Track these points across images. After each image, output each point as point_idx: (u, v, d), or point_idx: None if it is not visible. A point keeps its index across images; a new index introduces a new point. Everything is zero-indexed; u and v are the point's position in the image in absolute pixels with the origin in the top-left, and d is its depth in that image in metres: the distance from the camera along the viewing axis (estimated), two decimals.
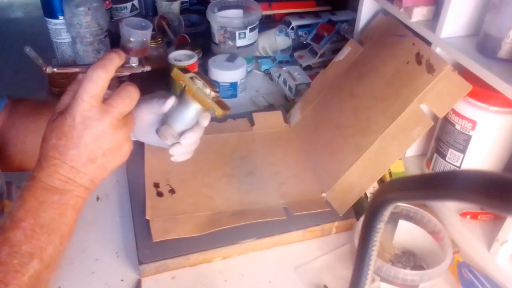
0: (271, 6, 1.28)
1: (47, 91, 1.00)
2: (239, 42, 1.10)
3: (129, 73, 0.58)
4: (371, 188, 0.73)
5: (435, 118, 0.68)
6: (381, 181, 0.73)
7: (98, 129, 0.49)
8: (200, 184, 0.77)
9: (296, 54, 1.17)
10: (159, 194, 0.75)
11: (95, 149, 0.49)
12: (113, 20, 1.19)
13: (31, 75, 0.99)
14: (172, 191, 0.75)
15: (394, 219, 0.69)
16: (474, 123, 0.65)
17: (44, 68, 0.49)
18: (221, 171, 0.80)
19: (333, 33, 1.14)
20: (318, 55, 1.13)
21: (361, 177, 0.71)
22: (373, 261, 0.35)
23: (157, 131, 0.62)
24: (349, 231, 0.73)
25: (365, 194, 0.73)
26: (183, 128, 0.61)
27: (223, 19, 1.09)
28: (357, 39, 0.89)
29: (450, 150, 0.69)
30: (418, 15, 0.72)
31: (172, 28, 1.21)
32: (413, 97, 0.68)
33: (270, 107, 1.01)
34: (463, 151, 0.68)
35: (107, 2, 1.16)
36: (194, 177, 0.78)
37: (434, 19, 0.70)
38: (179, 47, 1.08)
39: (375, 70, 0.78)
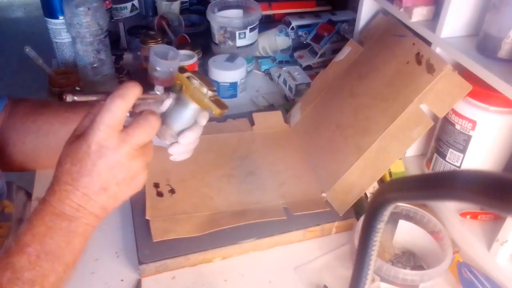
0: (271, 6, 1.28)
1: (47, 91, 1.00)
2: (239, 42, 1.10)
3: (153, 101, 0.57)
4: (371, 188, 0.73)
5: (435, 118, 0.68)
6: (381, 181, 0.73)
7: (113, 158, 0.48)
8: (200, 184, 0.77)
9: (296, 54, 1.17)
10: (159, 194, 0.75)
11: (109, 178, 0.48)
12: (113, 20, 1.19)
13: (31, 75, 0.99)
14: (172, 191, 0.75)
15: (394, 219, 0.69)
16: (474, 123, 0.65)
17: (64, 97, 0.48)
18: (221, 171, 0.80)
19: (333, 33, 1.14)
20: (318, 55, 1.13)
21: (361, 177, 0.71)
22: (373, 261, 0.35)
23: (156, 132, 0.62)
24: (349, 231, 0.73)
25: (365, 194, 0.73)
26: (181, 128, 0.61)
27: (223, 19, 1.09)
28: (357, 39, 0.89)
29: (450, 150, 0.69)
30: (418, 15, 0.72)
31: (172, 28, 1.21)
32: (413, 97, 0.68)
33: (270, 107, 1.01)
34: (463, 151, 0.68)
35: (107, 2, 1.16)
36: (194, 177, 0.78)
37: (434, 19, 0.70)
38: (179, 47, 1.08)
39: (375, 70, 0.78)
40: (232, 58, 1.05)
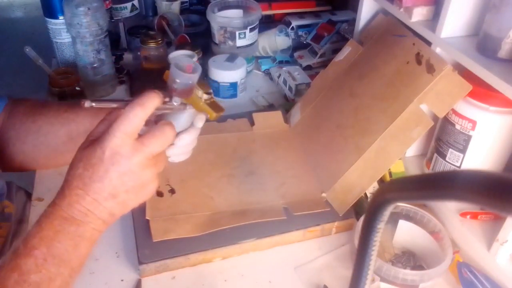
0: (271, 6, 1.28)
1: (47, 91, 1.00)
2: (239, 42, 1.10)
3: (169, 111, 0.57)
4: (371, 188, 0.73)
5: (435, 118, 0.68)
6: (381, 181, 0.73)
7: (125, 166, 0.48)
8: (200, 184, 0.77)
9: (296, 54, 1.17)
10: (159, 194, 0.75)
11: (118, 185, 0.49)
12: (113, 20, 1.19)
13: (31, 75, 0.99)
14: (172, 191, 0.75)
15: (394, 219, 0.69)
16: (474, 123, 0.65)
17: (82, 102, 0.48)
18: (221, 171, 0.80)
19: (333, 33, 1.14)
20: (318, 55, 1.13)
21: (361, 177, 0.71)
22: (373, 261, 0.35)
23: None
24: (349, 231, 0.73)
25: (365, 194, 0.73)
26: (177, 130, 0.61)
27: (223, 19, 1.09)
28: (357, 39, 0.89)
29: (450, 150, 0.69)
30: (418, 15, 0.72)
31: (172, 28, 1.21)
32: (413, 97, 0.68)
33: (270, 107, 1.01)
34: (463, 151, 0.68)
35: (107, 2, 1.16)
36: (194, 177, 0.78)
37: (434, 19, 0.70)
38: (179, 47, 1.08)
39: (375, 70, 0.78)
40: (232, 58, 1.05)
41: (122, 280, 0.65)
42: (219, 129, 0.88)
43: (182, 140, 0.61)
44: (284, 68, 1.08)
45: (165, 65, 0.99)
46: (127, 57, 1.18)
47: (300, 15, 1.25)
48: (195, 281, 0.65)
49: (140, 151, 0.49)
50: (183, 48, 1.06)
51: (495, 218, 0.67)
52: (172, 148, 0.62)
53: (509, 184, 0.21)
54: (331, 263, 0.68)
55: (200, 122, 0.61)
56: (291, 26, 1.19)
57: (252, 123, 0.91)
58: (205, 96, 0.59)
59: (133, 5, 1.29)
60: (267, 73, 1.14)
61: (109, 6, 1.18)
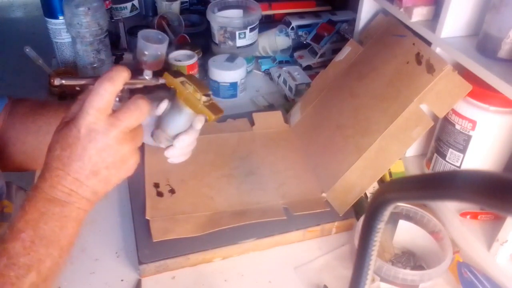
0: (271, 6, 1.28)
1: (47, 91, 1.00)
2: (239, 42, 1.10)
3: (141, 86, 0.57)
4: (371, 188, 0.73)
5: (435, 118, 0.68)
6: (381, 181, 0.73)
7: (102, 142, 0.48)
8: (200, 184, 0.77)
9: (296, 54, 1.17)
10: (159, 194, 0.75)
11: (98, 162, 0.49)
12: (113, 20, 1.19)
13: (31, 75, 0.99)
14: (172, 191, 0.75)
15: (394, 219, 0.69)
16: (474, 123, 0.65)
17: (52, 80, 0.49)
18: (221, 171, 0.80)
19: (333, 33, 1.14)
20: (318, 55, 1.13)
21: (361, 177, 0.71)
22: (373, 261, 0.35)
23: (151, 135, 0.62)
24: (349, 231, 0.73)
25: (365, 194, 0.73)
26: (176, 132, 0.61)
27: (223, 19, 1.09)
28: (357, 39, 0.89)
29: (450, 150, 0.69)
30: (418, 15, 0.72)
31: (172, 28, 1.21)
32: (413, 97, 0.68)
33: (270, 107, 1.01)
34: (463, 151, 0.68)
35: (107, 2, 1.16)
36: (194, 177, 0.78)
37: (434, 19, 0.70)
38: (179, 47, 1.08)
39: (375, 70, 0.78)
40: (232, 58, 1.05)
41: (122, 280, 0.65)
42: (219, 129, 0.88)
43: (181, 141, 0.61)
44: (284, 68, 1.08)
45: (165, 65, 0.99)
46: (127, 57, 1.18)
47: (300, 15, 1.25)
48: (195, 281, 0.65)
49: (116, 126, 0.48)
50: (183, 48, 1.06)
51: (495, 218, 0.67)
52: (172, 149, 0.62)
53: (509, 184, 0.21)
54: (331, 263, 0.68)
55: (199, 123, 0.61)
56: (291, 26, 1.19)
57: (252, 123, 0.91)
58: (204, 98, 0.59)
59: (133, 5, 1.29)
60: (267, 73, 1.14)
61: (109, 6, 1.18)
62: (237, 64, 1.04)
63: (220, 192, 0.76)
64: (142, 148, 0.81)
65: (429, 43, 0.70)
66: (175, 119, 0.60)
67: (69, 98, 0.96)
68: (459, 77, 0.65)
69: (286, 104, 1.02)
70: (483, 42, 0.62)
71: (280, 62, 1.15)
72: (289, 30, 1.18)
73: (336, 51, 1.01)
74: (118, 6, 1.26)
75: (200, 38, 1.19)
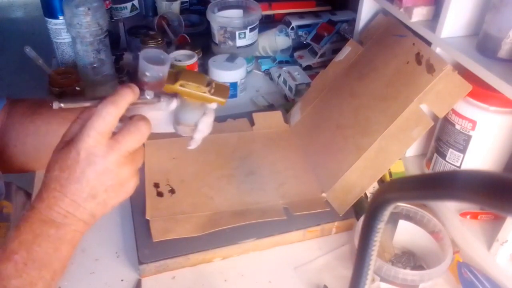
0: (271, 6, 1.28)
1: (47, 91, 1.00)
2: (239, 42, 1.10)
3: (144, 106, 0.56)
4: (371, 188, 0.73)
5: (435, 118, 0.68)
6: (381, 181, 0.73)
7: (102, 166, 0.47)
8: (200, 184, 0.77)
9: (296, 54, 1.17)
10: (159, 194, 0.75)
11: (97, 185, 0.48)
12: (113, 20, 1.19)
13: (31, 75, 0.99)
14: (172, 191, 0.75)
15: (394, 219, 0.69)
16: (474, 123, 0.65)
17: (51, 104, 0.47)
18: (221, 171, 0.80)
19: (333, 33, 1.14)
20: (318, 55, 1.13)
21: (361, 177, 0.71)
22: (373, 261, 0.35)
23: (176, 131, 0.61)
24: (349, 231, 0.73)
25: (365, 194, 0.73)
26: (195, 120, 0.60)
27: (223, 19, 1.09)
28: (357, 39, 0.89)
29: (450, 150, 0.69)
30: (418, 15, 0.72)
31: (172, 28, 1.21)
32: (413, 97, 0.68)
33: (270, 107, 1.01)
34: (463, 151, 0.68)
35: (107, 2, 1.16)
36: (194, 177, 0.78)
37: (434, 19, 0.70)
38: (179, 47, 1.08)
39: (375, 70, 0.78)
40: (232, 58, 1.05)
41: (122, 280, 0.65)
42: (219, 129, 0.88)
43: (205, 124, 0.59)
44: (284, 68, 1.08)
45: None
46: (127, 57, 1.18)
47: (300, 15, 1.25)
48: (195, 281, 0.65)
49: (116, 150, 0.48)
50: (183, 48, 1.06)
51: (495, 218, 0.67)
52: (199, 133, 0.60)
53: (509, 184, 0.21)
54: (331, 263, 0.68)
55: (213, 104, 0.60)
56: (291, 26, 1.19)
57: (252, 123, 0.91)
58: (208, 89, 0.58)
59: (133, 5, 1.29)
60: (267, 73, 1.14)
61: (109, 6, 1.18)
62: (237, 64, 1.04)
63: (220, 192, 0.76)
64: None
65: (429, 43, 0.70)
66: (190, 110, 0.59)
67: (68, 98, 0.96)
68: (459, 77, 0.65)
69: (286, 104, 1.02)
70: (483, 42, 0.62)
71: (280, 62, 1.15)
72: (289, 30, 1.18)
73: (336, 51, 1.01)
74: (118, 6, 1.26)
75: (200, 38, 1.19)
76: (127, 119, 0.50)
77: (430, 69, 0.68)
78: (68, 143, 0.48)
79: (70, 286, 0.64)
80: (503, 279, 0.62)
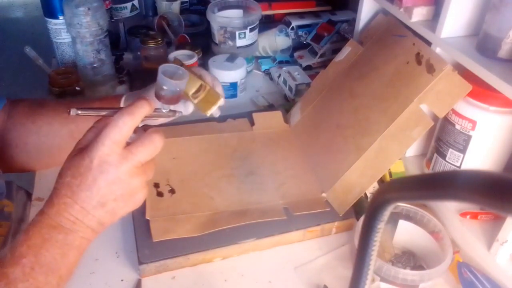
0: (271, 6, 1.28)
1: (47, 91, 1.00)
2: (239, 42, 1.10)
3: (159, 121, 0.57)
4: (371, 188, 0.73)
5: (435, 118, 0.68)
6: (381, 181, 0.73)
7: (113, 175, 0.48)
8: (200, 184, 0.77)
9: (296, 54, 1.17)
10: (159, 194, 0.75)
11: (107, 194, 0.49)
12: (113, 20, 1.19)
13: (31, 75, 0.99)
14: (172, 191, 0.75)
15: (394, 219, 0.69)
16: (474, 123, 0.65)
17: (68, 110, 0.48)
18: (221, 171, 0.80)
19: (333, 33, 1.14)
20: (318, 55, 1.13)
21: (361, 177, 0.71)
22: (373, 261, 0.35)
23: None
24: (349, 231, 0.73)
25: (365, 194, 0.73)
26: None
27: (223, 19, 1.09)
28: (357, 39, 0.89)
29: (450, 150, 0.69)
30: (418, 15, 0.72)
31: (172, 28, 1.21)
32: (413, 97, 0.68)
33: (270, 107, 1.01)
34: (463, 151, 0.68)
35: (107, 2, 1.16)
36: (194, 177, 0.78)
37: (434, 19, 0.70)
38: (179, 47, 1.08)
39: (375, 70, 0.78)
40: (232, 58, 1.05)
41: (122, 280, 0.65)
42: (219, 129, 0.88)
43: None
44: (284, 68, 1.08)
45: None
46: (127, 57, 1.18)
47: (300, 15, 1.25)
48: (195, 281, 0.65)
49: (129, 160, 0.48)
50: (183, 48, 1.06)
51: (495, 218, 0.67)
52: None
53: (509, 184, 0.21)
54: (331, 263, 0.68)
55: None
56: (291, 26, 1.19)
57: (252, 123, 0.91)
58: (194, 96, 0.59)
59: (133, 5, 1.29)
60: (267, 73, 1.14)
61: (109, 6, 1.18)
62: (237, 64, 1.04)
63: (220, 192, 0.76)
64: None
65: (429, 43, 0.70)
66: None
67: (69, 98, 0.96)
68: (459, 77, 0.65)
69: (286, 104, 1.02)
70: (483, 42, 0.62)
71: (280, 62, 1.15)
72: (289, 30, 1.18)
73: (336, 51, 1.01)
74: (118, 6, 1.26)
75: (200, 38, 1.19)
76: (141, 130, 0.51)
77: (430, 69, 0.68)
78: (82, 150, 0.49)
79: (70, 286, 0.64)
80: (503, 279, 0.62)
